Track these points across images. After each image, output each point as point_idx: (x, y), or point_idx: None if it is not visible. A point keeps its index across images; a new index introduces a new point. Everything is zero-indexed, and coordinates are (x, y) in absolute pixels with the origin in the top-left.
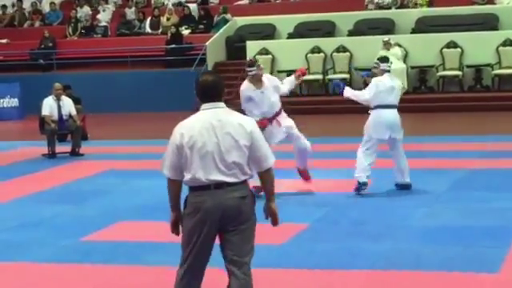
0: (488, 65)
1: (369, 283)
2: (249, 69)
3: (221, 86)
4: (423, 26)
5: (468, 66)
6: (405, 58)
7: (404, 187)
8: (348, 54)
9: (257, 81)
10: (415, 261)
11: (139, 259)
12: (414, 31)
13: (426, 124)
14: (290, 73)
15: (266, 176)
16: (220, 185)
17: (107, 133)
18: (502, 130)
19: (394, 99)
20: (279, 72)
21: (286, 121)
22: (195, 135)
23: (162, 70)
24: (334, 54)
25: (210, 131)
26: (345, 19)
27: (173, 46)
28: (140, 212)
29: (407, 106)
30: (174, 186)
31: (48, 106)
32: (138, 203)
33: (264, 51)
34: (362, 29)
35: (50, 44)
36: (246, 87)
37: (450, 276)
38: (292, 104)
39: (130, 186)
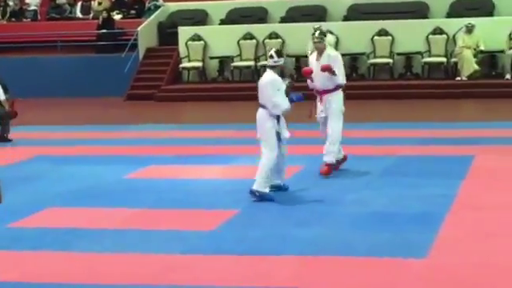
0: (418, 53)
1: (299, 269)
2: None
3: None
4: (355, 14)
5: (398, 54)
6: (336, 46)
7: (278, 188)
8: (280, 40)
9: (318, 51)
10: (344, 247)
11: (68, 246)
12: (345, 18)
13: (357, 111)
14: (221, 59)
15: None
16: None
17: (36, 118)
18: (431, 117)
19: (260, 98)
20: (211, 58)
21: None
22: None
23: (93, 55)
24: (266, 40)
25: None
26: (277, 6)
27: (104, 31)
28: (69, 198)
29: None
30: None
31: None
32: (66, 189)
33: (196, 37)
34: (294, 15)
35: None
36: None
37: (379, 261)
38: (224, 90)
39: (59, 172)
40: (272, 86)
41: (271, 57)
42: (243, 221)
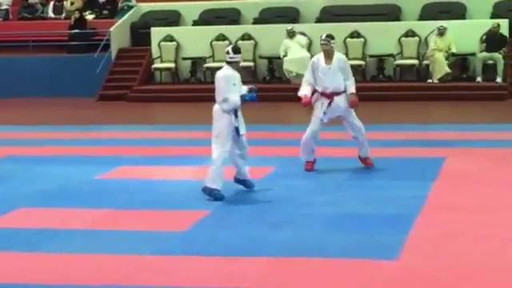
0: (390, 55)
1: (271, 270)
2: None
3: None
4: (328, 16)
5: (371, 56)
6: (309, 47)
7: (242, 183)
8: (253, 41)
9: (327, 55)
10: (316, 248)
11: (38, 246)
12: (318, 20)
13: None
14: (194, 60)
15: None
16: None
17: (7, 118)
18: (403, 119)
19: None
20: (184, 59)
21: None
22: None
23: (65, 55)
24: (239, 41)
25: None
26: (250, 7)
27: (76, 31)
28: (40, 199)
29: None
30: None
31: None
32: (37, 190)
33: (169, 38)
34: (267, 17)
35: None
36: (317, 56)
37: (351, 263)
38: (197, 91)
39: (30, 172)
40: (226, 80)
41: (227, 53)
42: (214, 222)
